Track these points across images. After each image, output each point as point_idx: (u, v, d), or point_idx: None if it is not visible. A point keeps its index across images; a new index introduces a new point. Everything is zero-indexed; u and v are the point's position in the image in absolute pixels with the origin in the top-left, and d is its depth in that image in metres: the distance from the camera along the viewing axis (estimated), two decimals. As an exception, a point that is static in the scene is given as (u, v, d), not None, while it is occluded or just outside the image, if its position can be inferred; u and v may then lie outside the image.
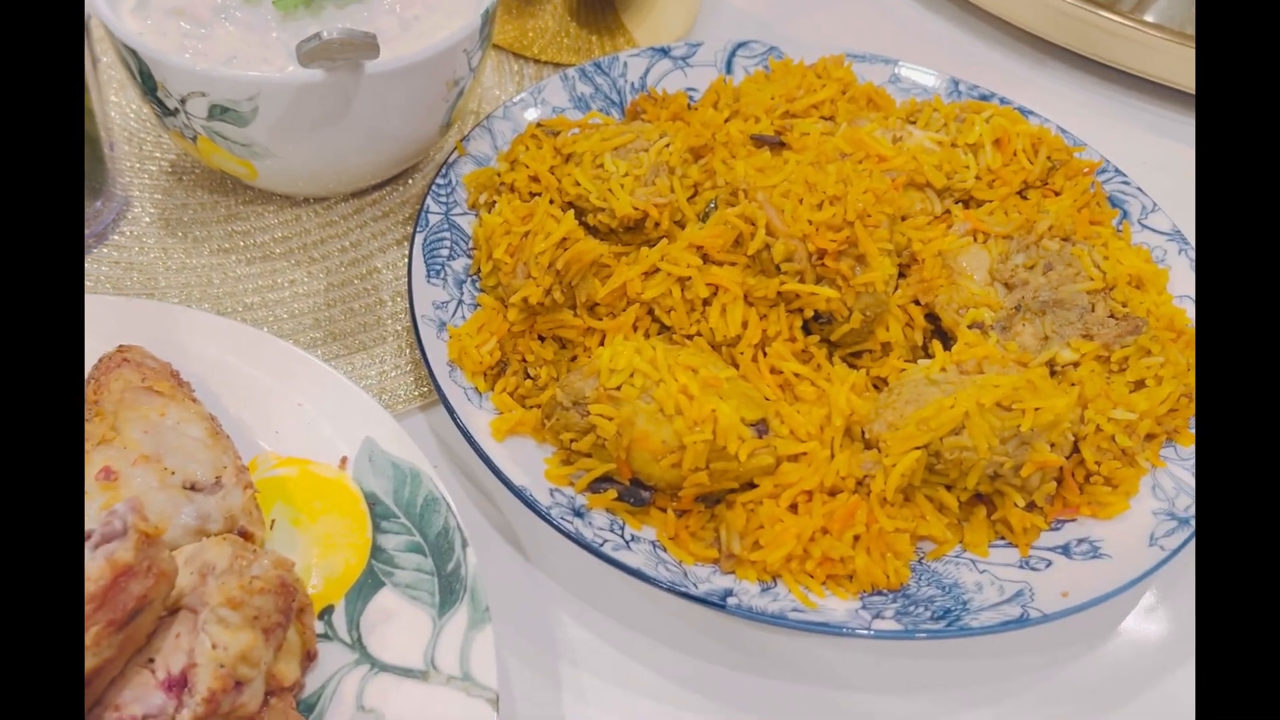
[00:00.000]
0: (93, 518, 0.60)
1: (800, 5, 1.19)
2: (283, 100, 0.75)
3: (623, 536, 0.67)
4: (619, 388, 0.67)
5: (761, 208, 0.73)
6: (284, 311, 0.83)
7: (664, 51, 0.98)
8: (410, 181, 0.93)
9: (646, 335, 0.75)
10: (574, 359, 0.76)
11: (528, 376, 0.75)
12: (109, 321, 0.74)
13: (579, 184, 0.80)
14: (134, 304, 0.75)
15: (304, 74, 0.74)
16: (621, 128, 0.84)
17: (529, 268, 0.74)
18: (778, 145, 0.83)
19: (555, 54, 1.06)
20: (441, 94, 0.82)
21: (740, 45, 1.00)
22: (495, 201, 0.83)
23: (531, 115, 0.92)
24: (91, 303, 0.75)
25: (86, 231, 0.86)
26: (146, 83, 0.78)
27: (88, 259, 0.86)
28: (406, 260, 0.87)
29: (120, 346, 0.71)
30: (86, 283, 0.84)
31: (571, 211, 0.77)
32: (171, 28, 0.82)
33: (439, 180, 0.85)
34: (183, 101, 0.78)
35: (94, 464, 0.63)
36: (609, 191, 0.78)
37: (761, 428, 0.67)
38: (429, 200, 0.84)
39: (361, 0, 0.85)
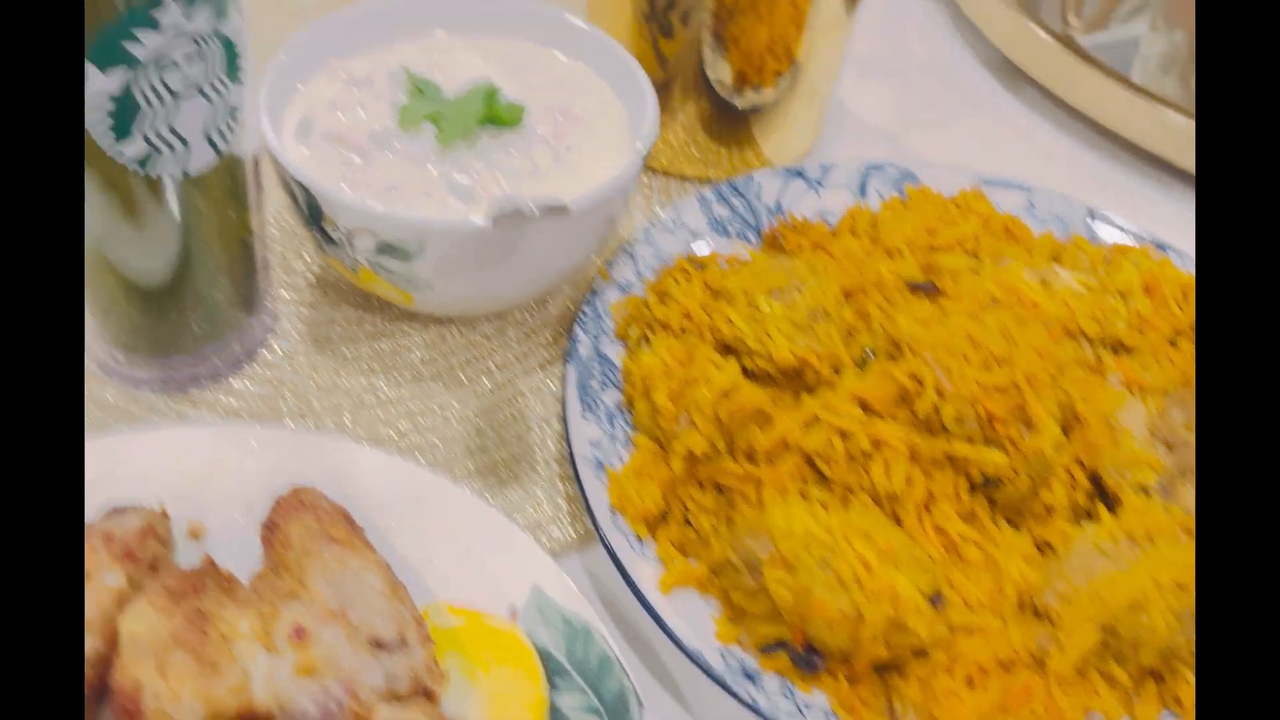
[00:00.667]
0: (287, 679, 0.61)
1: (926, 120, 1.19)
2: (451, 243, 0.77)
3: (795, 702, 0.67)
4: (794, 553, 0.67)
5: (929, 366, 0.73)
6: (437, 438, 0.84)
7: (798, 173, 0.99)
8: (549, 302, 0.94)
9: (805, 483, 0.76)
10: (731, 505, 0.76)
11: (687, 523, 0.76)
12: (273, 456, 0.75)
13: (732, 323, 0.80)
14: (298, 437, 0.76)
15: (475, 220, 0.75)
16: (771, 264, 0.84)
17: (692, 416, 0.75)
18: (933, 291, 0.83)
19: (683, 166, 1.07)
20: (599, 231, 0.83)
21: (874, 168, 1.00)
22: (647, 336, 0.84)
23: (671, 240, 0.93)
24: (256, 433, 0.76)
25: (238, 349, 0.88)
26: (312, 213, 0.80)
27: (238, 376, 0.87)
28: (554, 390, 0.88)
29: (295, 489, 0.71)
30: (241, 404, 0.85)
31: (733, 358, 0.78)
32: (332, 155, 0.84)
33: (585, 309, 0.86)
34: (349, 235, 0.79)
35: (283, 620, 0.64)
36: (766, 335, 0.79)
37: (937, 599, 0.67)
38: (577, 330, 0.85)
39: (515, 129, 0.86)
